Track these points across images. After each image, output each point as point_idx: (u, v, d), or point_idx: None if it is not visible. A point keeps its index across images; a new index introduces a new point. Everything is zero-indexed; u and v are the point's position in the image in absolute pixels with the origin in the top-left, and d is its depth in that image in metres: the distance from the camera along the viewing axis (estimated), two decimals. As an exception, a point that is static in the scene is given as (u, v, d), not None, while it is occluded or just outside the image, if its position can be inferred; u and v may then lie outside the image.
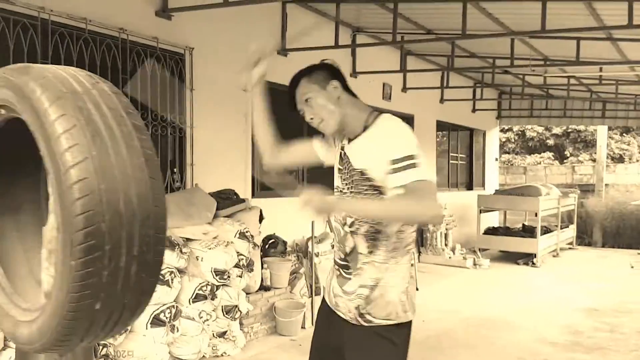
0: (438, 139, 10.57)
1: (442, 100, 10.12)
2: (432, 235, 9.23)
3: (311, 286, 6.23)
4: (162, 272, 4.18)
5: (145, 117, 4.97)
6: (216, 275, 4.55)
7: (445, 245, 9.36)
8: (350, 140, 2.08)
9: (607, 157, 18.65)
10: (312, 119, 2.07)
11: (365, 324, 2.02)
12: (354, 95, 2.13)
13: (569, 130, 22.27)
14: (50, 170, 1.24)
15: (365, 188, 2.00)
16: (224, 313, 4.67)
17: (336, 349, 2.11)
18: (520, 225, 10.82)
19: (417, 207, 1.83)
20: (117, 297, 1.31)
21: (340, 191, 2.10)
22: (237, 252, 4.77)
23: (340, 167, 2.11)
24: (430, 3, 6.01)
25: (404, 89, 9.00)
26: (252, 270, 4.95)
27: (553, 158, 22.38)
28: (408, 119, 9.28)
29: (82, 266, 1.22)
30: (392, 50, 8.70)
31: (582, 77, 9.75)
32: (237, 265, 4.72)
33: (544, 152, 22.72)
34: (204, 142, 5.58)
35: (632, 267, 9.99)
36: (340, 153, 2.11)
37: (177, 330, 4.26)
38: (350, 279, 2.06)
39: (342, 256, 2.09)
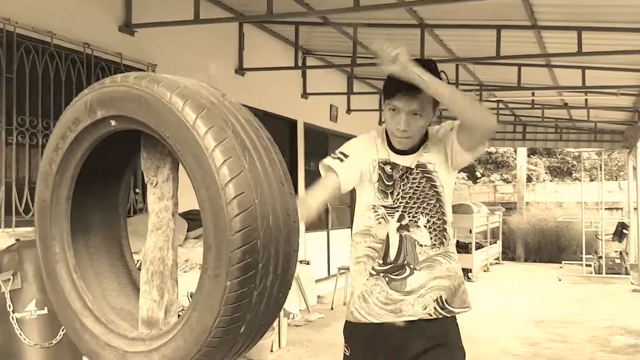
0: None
1: (380, 122, 10.39)
2: (377, 254, 9.36)
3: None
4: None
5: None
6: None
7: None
8: (404, 151, 2.05)
9: (502, 179, 19.84)
10: (405, 131, 1.97)
11: (448, 315, 2.02)
12: None
13: (483, 151, 23.42)
14: (201, 185, 1.17)
15: (420, 179, 2.03)
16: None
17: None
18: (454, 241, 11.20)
19: (485, 110, 1.97)
20: (258, 317, 1.24)
21: (391, 207, 2.03)
22: (211, 275, 4.63)
23: (389, 183, 2.05)
24: (386, 28, 6.16)
25: (349, 110, 9.16)
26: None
27: (467, 178, 23.43)
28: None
29: (237, 287, 1.16)
30: (339, 73, 8.85)
31: (509, 102, 10.34)
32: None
33: (458, 172, 23.70)
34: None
35: (560, 280, 10.62)
36: (384, 167, 2.05)
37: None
38: (410, 276, 2.00)
39: (381, 261, 2.02)
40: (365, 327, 2.08)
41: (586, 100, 8.95)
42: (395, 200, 2.04)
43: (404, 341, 2.04)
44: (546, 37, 6.05)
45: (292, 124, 7.69)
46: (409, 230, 2.01)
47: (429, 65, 1.99)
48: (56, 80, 4.32)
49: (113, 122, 1.33)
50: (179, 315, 1.44)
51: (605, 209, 12.30)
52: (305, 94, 7.86)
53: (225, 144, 1.17)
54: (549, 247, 13.49)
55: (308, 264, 7.18)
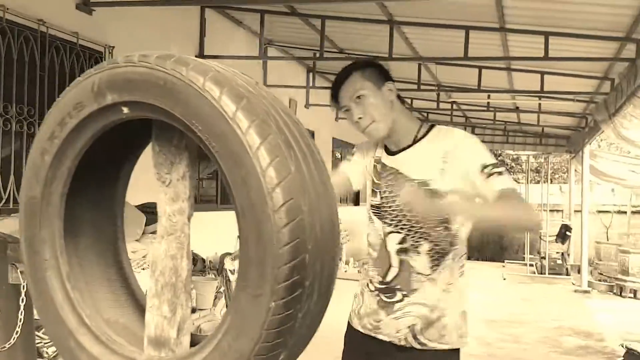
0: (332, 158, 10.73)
1: (337, 119, 10.28)
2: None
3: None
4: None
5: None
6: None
7: (339, 259, 9.45)
8: (393, 152, 1.94)
9: None
10: (360, 118, 1.86)
11: (418, 347, 1.86)
12: (403, 103, 2.02)
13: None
14: (241, 188, 0.99)
15: (438, 222, 1.85)
16: (154, 340, 4.26)
17: None
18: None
19: (526, 211, 1.77)
20: (298, 342, 1.08)
21: (378, 207, 1.94)
22: (170, 272, 4.40)
23: (378, 182, 1.95)
24: (354, 22, 6.05)
25: (307, 104, 9.00)
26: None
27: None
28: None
29: (282, 309, 0.99)
30: (299, 66, 8.68)
31: (462, 104, 10.46)
32: (172, 287, 4.34)
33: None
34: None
35: (505, 279, 10.86)
36: (376, 166, 1.96)
37: None
38: (398, 302, 1.89)
39: (381, 279, 1.93)
40: (358, 333, 2.01)
41: (540, 104, 9.15)
42: (381, 199, 1.92)
43: (379, 355, 1.94)
44: (511, 41, 6.09)
45: (251, 115, 7.46)
46: (408, 255, 1.89)
47: (379, 68, 1.95)
48: (7, 59, 3.97)
49: (125, 109, 1.13)
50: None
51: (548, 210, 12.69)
52: (265, 86, 7.63)
53: (271, 140, 1.00)
54: (491, 246, 13.80)
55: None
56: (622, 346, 4.35)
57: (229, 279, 6.21)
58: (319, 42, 7.17)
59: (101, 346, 1.20)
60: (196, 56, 6.06)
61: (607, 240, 12.90)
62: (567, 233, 11.14)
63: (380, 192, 1.94)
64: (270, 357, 1.02)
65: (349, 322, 2.09)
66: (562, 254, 11.81)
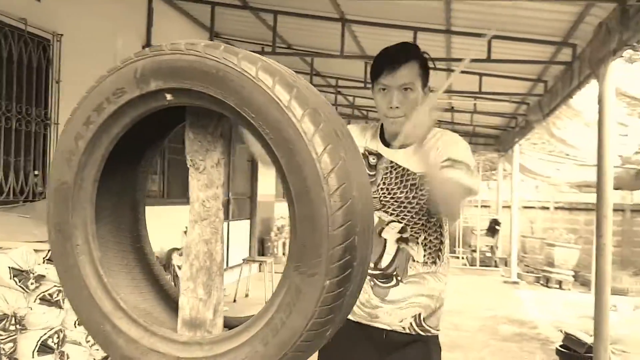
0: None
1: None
2: (274, 245, 9.33)
3: (178, 301, 5.88)
4: (51, 291, 3.62)
5: (9, 110, 4.24)
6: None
7: (283, 254, 9.52)
8: (394, 146, 1.97)
9: None
10: (397, 107, 1.88)
11: (423, 334, 1.97)
12: None
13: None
14: (297, 174, 1.05)
15: (424, 192, 1.94)
16: (108, 335, 4.17)
17: None
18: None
19: (468, 176, 1.82)
20: (341, 319, 1.15)
21: (375, 197, 1.98)
22: (125, 267, 4.32)
23: (371, 173, 2.01)
24: (306, 19, 6.12)
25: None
26: (139, 286, 4.50)
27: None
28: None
29: (335, 287, 1.06)
30: (243, 59, 8.65)
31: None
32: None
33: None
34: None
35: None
36: (368, 157, 2.02)
37: (68, 357, 3.69)
38: (395, 287, 1.98)
39: (372, 265, 1.98)
40: (349, 322, 2.02)
41: (475, 105, 9.55)
42: (376, 191, 1.99)
43: (374, 342, 2.01)
44: (455, 43, 6.34)
45: (198, 109, 7.37)
46: (407, 244, 1.98)
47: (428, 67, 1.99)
48: (-48, 43, 3.77)
49: (169, 96, 1.16)
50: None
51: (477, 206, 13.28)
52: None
53: (323, 128, 1.06)
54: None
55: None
56: (561, 331, 4.66)
57: (176, 275, 6.14)
58: (266, 37, 7.23)
59: (139, 328, 1.22)
60: (143, 47, 5.96)
61: (532, 234, 13.66)
62: (497, 227, 11.70)
63: (375, 183, 1.99)
64: (321, 332, 1.09)
65: None
66: (492, 247, 12.39)
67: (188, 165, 1.29)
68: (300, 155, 1.04)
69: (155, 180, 6.82)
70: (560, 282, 10.21)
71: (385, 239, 2.00)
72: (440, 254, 1.99)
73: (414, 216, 1.97)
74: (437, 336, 2.02)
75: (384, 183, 2.00)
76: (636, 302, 7.19)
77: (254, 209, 9.25)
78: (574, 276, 10.48)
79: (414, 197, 1.97)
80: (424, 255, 1.98)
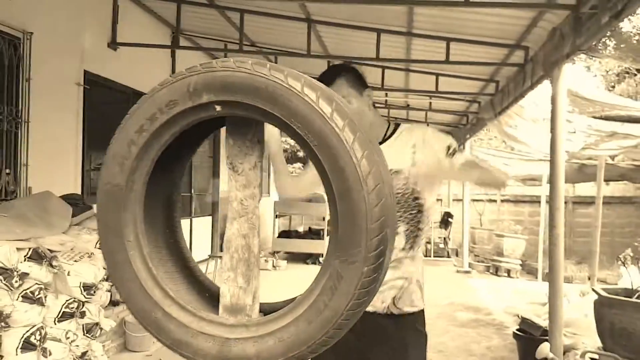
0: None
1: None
2: (234, 241, 9.41)
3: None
4: (33, 288, 3.65)
5: (-20, 108, 4.22)
6: (84, 290, 4.09)
7: None
8: None
9: None
10: None
11: (396, 313, 2.17)
12: (375, 105, 2.31)
13: (317, 143, 24.55)
14: (340, 176, 1.22)
15: (401, 185, 2.15)
16: (85, 332, 4.21)
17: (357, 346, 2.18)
18: (307, 229, 11.70)
19: (491, 173, 2.15)
20: (371, 300, 1.33)
21: None
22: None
23: None
24: (273, 19, 6.24)
25: (213, 95, 9.03)
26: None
27: (303, 168, 24.39)
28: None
29: (372, 272, 1.23)
30: (204, 57, 8.68)
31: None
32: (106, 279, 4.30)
33: (295, 162, 24.60)
34: (40, 139, 4.90)
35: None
36: None
37: (50, 354, 3.73)
38: None
39: None
40: None
41: (430, 103, 9.90)
42: None
43: (368, 337, 2.18)
44: (415, 45, 6.61)
45: (161, 106, 7.38)
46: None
47: (357, 73, 2.18)
48: None
49: (218, 108, 1.31)
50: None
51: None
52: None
53: (360, 136, 1.24)
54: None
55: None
56: (518, 316, 4.99)
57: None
58: (230, 34, 7.32)
59: (188, 314, 1.36)
60: (108, 44, 5.96)
61: (481, 226, 14.22)
62: (449, 219, 12.16)
63: None
64: (357, 312, 1.27)
65: None
66: (444, 238, 12.85)
67: (227, 168, 1.43)
68: (343, 159, 1.21)
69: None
70: (508, 271, 10.72)
71: None
72: (417, 239, 2.20)
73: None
74: (414, 313, 2.22)
75: None
76: (582, 289, 7.68)
77: (216, 205, 9.30)
78: (521, 265, 11.02)
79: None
80: (404, 243, 2.19)
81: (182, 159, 1.57)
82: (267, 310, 1.48)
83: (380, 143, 2.19)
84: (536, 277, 10.61)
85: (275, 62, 7.98)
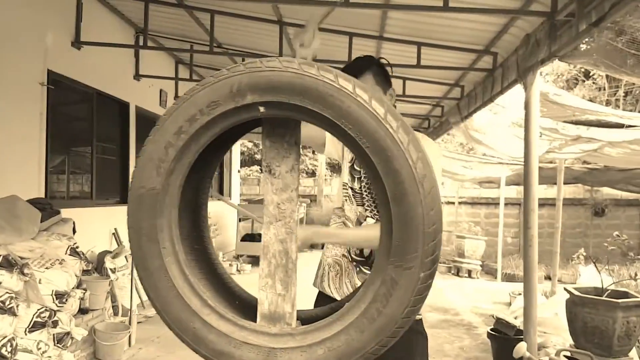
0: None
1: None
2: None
3: (115, 306, 5.75)
4: (3, 298, 3.47)
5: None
6: (56, 298, 3.92)
7: None
8: None
9: (303, 172, 21.05)
10: None
11: None
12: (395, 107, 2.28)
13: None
14: (395, 179, 1.19)
15: None
16: (55, 342, 4.03)
17: None
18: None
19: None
20: (421, 306, 1.30)
21: (359, 193, 2.17)
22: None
23: (358, 169, 2.17)
24: (244, 20, 6.15)
25: (177, 96, 8.84)
26: (85, 290, 4.38)
27: (260, 171, 24.20)
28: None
29: (427, 279, 1.21)
30: (167, 57, 8.50)
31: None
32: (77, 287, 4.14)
33: (252, 165, 24.40)
34: (1, 141, 4.67)
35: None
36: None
37: (22, 368, 3.55)
38: None
39: (358, 251, 2.14)
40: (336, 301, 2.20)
41: (396, 106, 9.98)
42: (362, 188, 2.16)
43: None
44: (385, 49, 6.64)
45: (124, 106, 7.18)
46: None
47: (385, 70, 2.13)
48: None
49: (262, 109, 1.26)
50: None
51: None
52: (137, 76, 7.39)
53: (413, 138, 1.21)
54: (343, 236, 14.68)
55: (142, 256, 6.79)
56: (493, 317, 5.07)
57: (108, 277, 5.95)
58: (196, 36, 7.18)
59: (228, 323, 1.30)
60: (72, 43, 5.75)
61: (440, 228, 14.43)
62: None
63: (359, 178, 2.16)
64: (410, 319, 1.24)
65: (320, 292, 2.27)
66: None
67: (262, 171, 1.38)
68: (398, 161, 1.19)
69: (79, 181, 6.58)
70: (469, 272, 10.92)
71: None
72: None
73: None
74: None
75: (366, 181, 2.18)
76: (543, 288, 7.89)
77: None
78: (481, 265, 11.24)
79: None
80: None
81: (212, 161, 1.50)
82: (302, 318, 1.44)
83: None
84: (495, 278, 10.85)
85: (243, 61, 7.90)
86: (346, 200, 2.21)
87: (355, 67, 2.02)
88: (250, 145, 24.55)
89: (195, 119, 1.26)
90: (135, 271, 6.00)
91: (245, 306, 1.47)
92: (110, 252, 6.07)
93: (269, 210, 1.38)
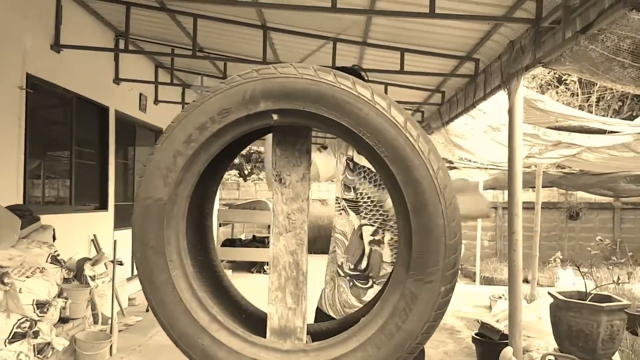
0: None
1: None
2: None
3: (95, 314, 5.61)
4: (-18, 310, 3.35)
5: None
6: (37, 308, 3.81)
7: None
8: None
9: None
10: None
11: None
12: None
13: (251, 151, 24.32)
14: (416, 189, 1.15)
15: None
16: (36, 353, 3.91)
17: None
18: (251, 237, 11.48)
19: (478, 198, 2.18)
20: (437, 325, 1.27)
21: (354, 201, 2.16)
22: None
23: (352, 178, 2.17)
24: (227, 24, 6.09)
25: (156, 101, 8.72)
26: (67, 299, 4.26)
27: (238, 175, 24.06)
28: (158, 133, 9.00)
29: (447, 292, 1.18)
30: (147, 60, 8.38)
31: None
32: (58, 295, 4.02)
33: (230, 169, 24.22)
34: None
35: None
36: (349, 163, 2.18)
37: (2, 381, 3.43)
38: (371, 288, 2.14)
39: (352, 266, 2.15)
40: (330, 318, 2.16)
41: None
42: (358, 196, 2.16)
43: None
44: (368, 54, 6.64)
45: (104, 110, 7.04)
46: (379, 246, 2.14)
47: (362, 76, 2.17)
48: None
49: (275, 116, 1.22)
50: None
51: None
52: (117, 79, 7.26)
53: (433, 147, 1.19)
54: (323, 239, 14.68)
55: (121, 264, 6.67)
56: (478, 321, 5.08)
57: (89, 285, 5.83)
58: (178, 39, 7.09)
59: (239, 340, 1.25)
60: (51, 46, 5.62)
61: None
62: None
63: (354, 187, 2.16)
64: (430, 334, 1.20)
65: (318, 308, 2.27)
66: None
67: (273, 180, 1.34)
68: (418, 171, 1.15)
69: (55, 186, 6.43)
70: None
71: (363, 242, 2.16)
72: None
73: (380, 217, 2.15)
74: None
75: (362, 188, 2.16)
76: (522, 291, 7.95)
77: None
78: (459, 269, 11.29)
79: (379, 201, 2.15)
80: (391, 255, 2.15)
81: (219, 169, 1.45)
82: (311, 332, 1.40)
83: None
84: (474, 281, 10.92)
85: (224, 69, 7.82)
86: (340, 214, 2.20)
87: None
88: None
89: (206, 126, 1.22)
90: (115, 279, 5.87)
91: (253, 320, 1.42)
92: (89, 259, 5.94)
93: (279, 220, 1.33)
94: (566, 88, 16.79)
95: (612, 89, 16.76)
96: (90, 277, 5.68)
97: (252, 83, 1.20)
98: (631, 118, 12.76)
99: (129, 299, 7.12)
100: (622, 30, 3.31)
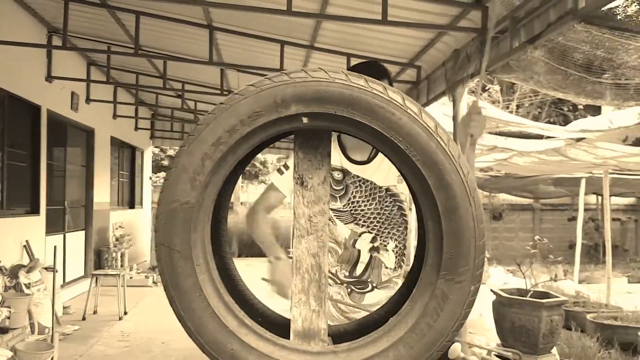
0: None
1: (115, 116, 9.74)
2: (111, 257, 8.78)
3: (31, 324, 5.32)
4: None
5: None
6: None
7: (122, 265, 9.01)
8: (357, 162, 2.18)
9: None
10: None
11: None
12: None
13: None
14: (447, 192, 1.19)
15: (388, 203, 2.18)
16: (-26, 368, 3.68)
17: None
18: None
19: None
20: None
21: (341, 211, 2.17)
22: (-6, 289, 3.83)
23: (337, 188, 2.19)
24: (172, 23, 5.95)
25: (88, 100, 8.37)
26: (10, 308, 4.02)
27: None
28: (89, 133, 8.65)
29: (476, 292, 1.22)
30: (79, 58, 8.04)
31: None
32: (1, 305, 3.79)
33: (159, 172, 23.58)
34: None
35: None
36: (332, 174, 2.15)
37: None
38: (369, 292, 2.18)
39: (347, 273, 2.18)
40: None
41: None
42: (346, 205, 2.19)
43: None
44: (314, 58, 6.68)
45: (36, 109, 6.69)
46: (379, 252, 2.19)
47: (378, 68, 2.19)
48: None
49: (305, 120, 1.22)
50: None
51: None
52: (49, 77, 6.92)
53: (461, 152, 1.23)
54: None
55: (56, 271, 6.34)
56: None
57: (25, 293, 5.54)
58: (116, 37, 6.86)
59: (268, 343, 1.24)
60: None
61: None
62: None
63: (339, 197, 2.17)
64: (458, 332, 1.24)
65: None
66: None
67: (295, 183, 1.34)
68: (450, 175, 1.19)
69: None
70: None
71: (359, 250, 2.19)
72: (404, 257, 2.25)
73: (382, 226, 2.19)
74: None
75: (354, 197, 2.19)
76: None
77: (89, 219, 8.61)
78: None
79: (381, 209, 2.19)
80: (394, 262, 2.22)
81: (237, 172, 1.43)
82: (329, 334, 1.41)
83: (368, 161, 2.19)
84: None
85: (164, 68, 7.63)
86: (333, 224, 2.18)
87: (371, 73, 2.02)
88: (156, 151, 23.75)
89: (236, 129, 1.20)
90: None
91: (269, 323, 1.41)
92: (24, 266, 5.63)
93: (301, 223, 1.33)
94: (488, 95, 17.59)
95: (531, 96, 17.73)
96: (25, 284, 5.39)
97: (283, 86, 1.20)
98: (550, 123, 13.54)
99: (64, 307, 6.79)
100: (568, 41, 3.52)
